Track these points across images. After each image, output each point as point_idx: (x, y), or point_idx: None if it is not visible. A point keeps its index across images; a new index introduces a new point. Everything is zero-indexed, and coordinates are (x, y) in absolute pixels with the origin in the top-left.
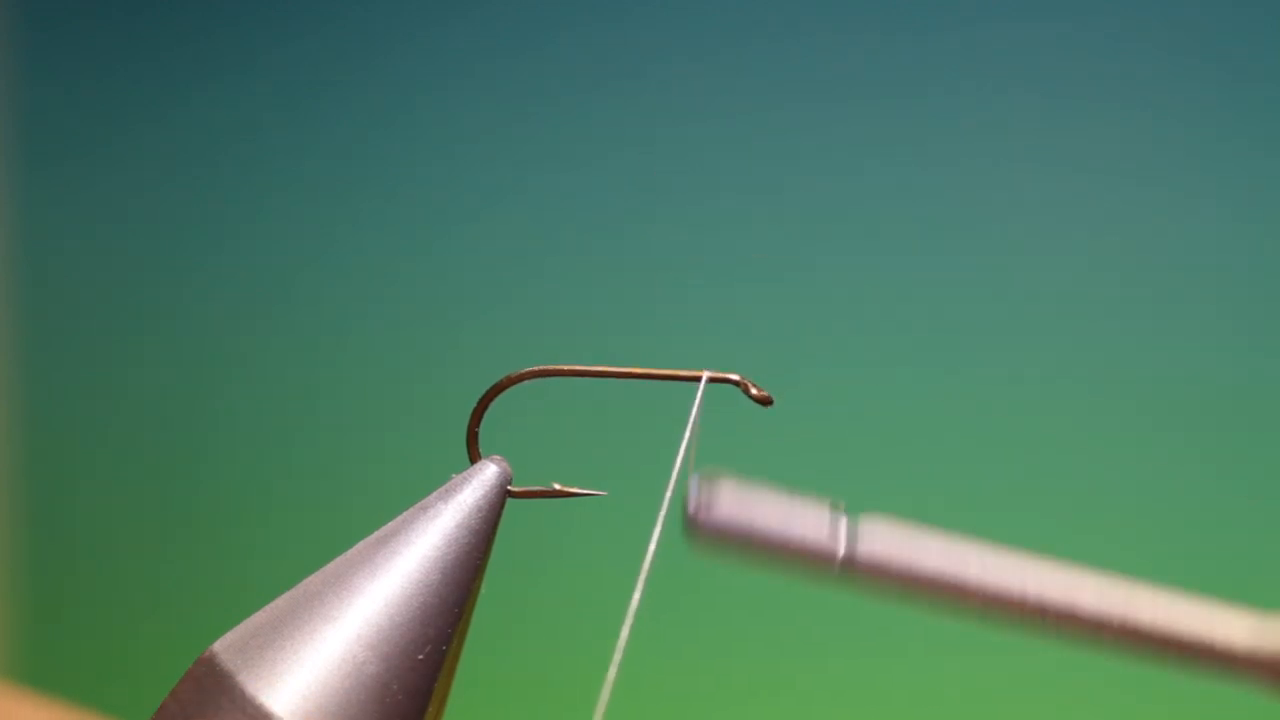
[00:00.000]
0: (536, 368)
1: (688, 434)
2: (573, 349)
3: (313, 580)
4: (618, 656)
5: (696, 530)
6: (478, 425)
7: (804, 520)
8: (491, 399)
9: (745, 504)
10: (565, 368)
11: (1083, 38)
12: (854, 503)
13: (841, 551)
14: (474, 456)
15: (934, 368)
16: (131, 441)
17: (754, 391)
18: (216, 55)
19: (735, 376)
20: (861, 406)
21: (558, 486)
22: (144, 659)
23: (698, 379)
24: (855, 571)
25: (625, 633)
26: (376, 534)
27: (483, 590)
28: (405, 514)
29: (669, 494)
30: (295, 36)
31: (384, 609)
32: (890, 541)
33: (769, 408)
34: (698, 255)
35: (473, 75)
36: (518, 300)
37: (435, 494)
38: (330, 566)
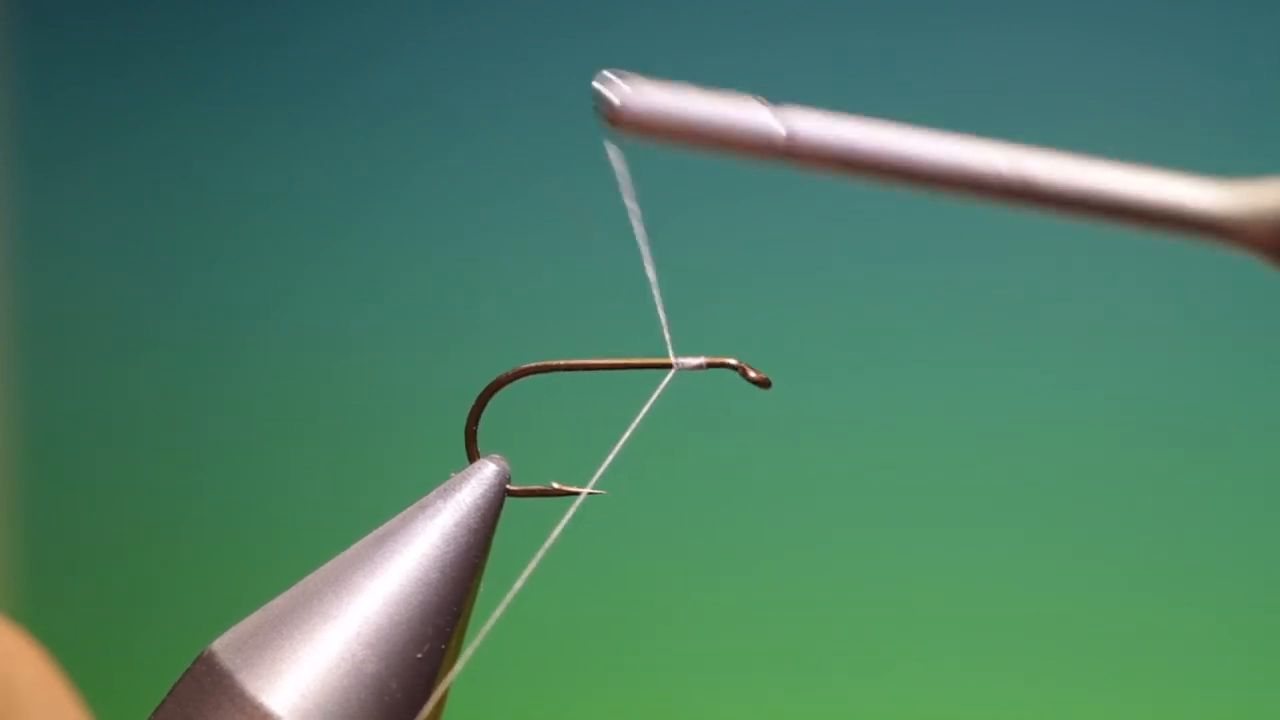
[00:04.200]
0: (524, 366)
1: (639, 417)
2: (575, 347)
3: (312, 579)
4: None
5: (620, 124)
6: (476, 423)
7: (738, 109)
8: (489, 397)
9: (672, 95)
10: (546, 364)
11: (1083, 39)
12: (852, 495)
13: (783, 132)
14: (472, 455)
15: (929, 362)
16: (131, 441)
17: (752, 374)
18: (218, 56)
19: (732, 360)
20: (860, 400)
21: (556, 485)
22: (143, 658)
23: (668, 366)
24: (797, 153)
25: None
26: (375, 532)
27: (481, 589)
28: (404, 513)
29: (593, 481)
30: (296, 37)
31: (383, 607)
32: (830, 123)
33: (767, 390)
34: (698, 253)
35: (471, 76)
36: (517, 298)
37: (434, 492)
38: (329, 565)
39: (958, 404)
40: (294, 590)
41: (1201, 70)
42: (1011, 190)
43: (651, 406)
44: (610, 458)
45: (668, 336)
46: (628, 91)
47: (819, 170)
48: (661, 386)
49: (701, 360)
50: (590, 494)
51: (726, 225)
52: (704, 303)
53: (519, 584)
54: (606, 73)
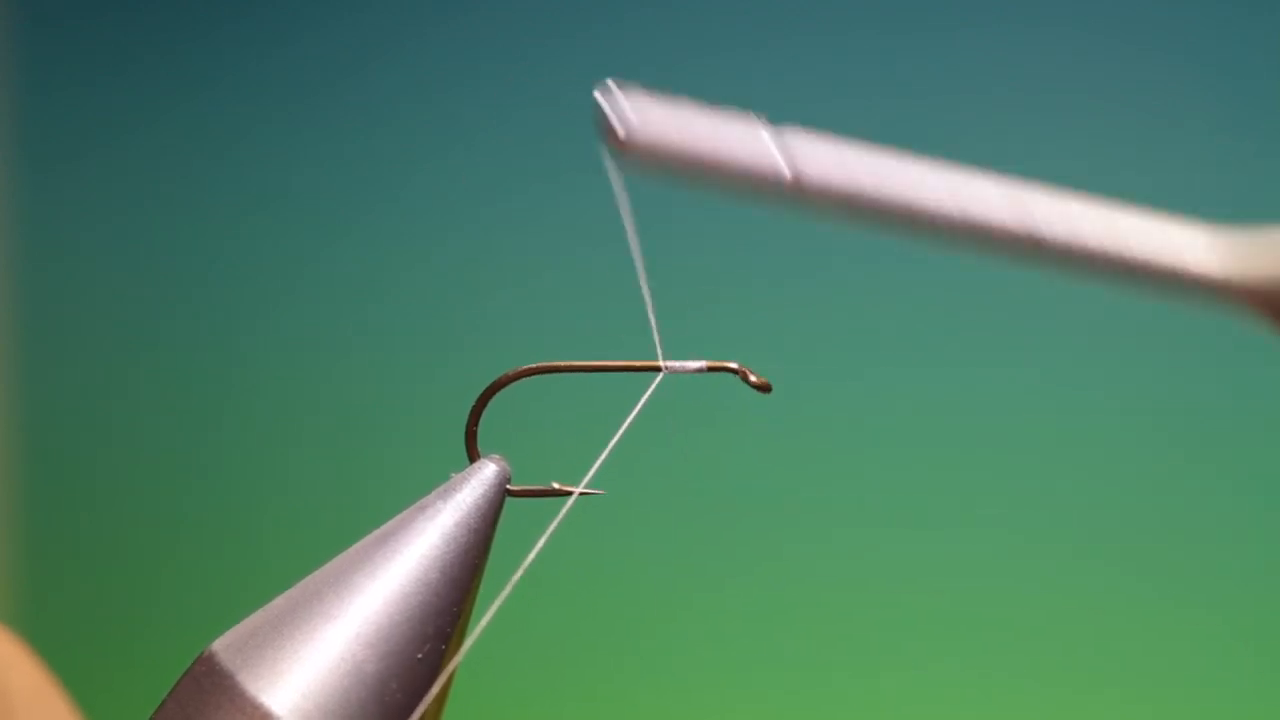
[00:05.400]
0: (523, 367)
1: (628, 420)
2: (576, 346)
3: (312, 579)
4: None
5: (625, 152)
6: (476, 424)
7: (742, 142)
8: (489, 397)
9: (677, 122)
10: (546, 365)
11: (1083, 39)
12: (852, 495)
13: (787, 173)
14: (473, 455)
15: (929, 362)
16: (131, 441)
17: (753, 378)
18: (217, 56)
19: (733, 365)
20: (860, 400)
21: (556, 485)
22: (143, 658)
23: (657, 369)
24: (802, 194)
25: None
26: (376, 533)
27: (482, 589)
28: (404, 513)
29: (585, 480)
30: (296, 37)
31: (383, 608)
32: (833, 160)
33: (768, 394)
34: (698, 252)
35: (471, 76)
36: (517, 298)
37: (434, 493)
38: (329, 566)
39: (958, 404)
40: (294, 590)
41: (1201, 70)
42: (1016, 244)
43: (644, 407)
44: (602, 458)
45: (658, 342)
46: (633, 119)
47: (823, 209)
48: (650, 390)
49: (702, 364)
50: (586, 494)
51: (726, 225)
52: (703, 302)
53: (515, 577)
54: (612, 86)
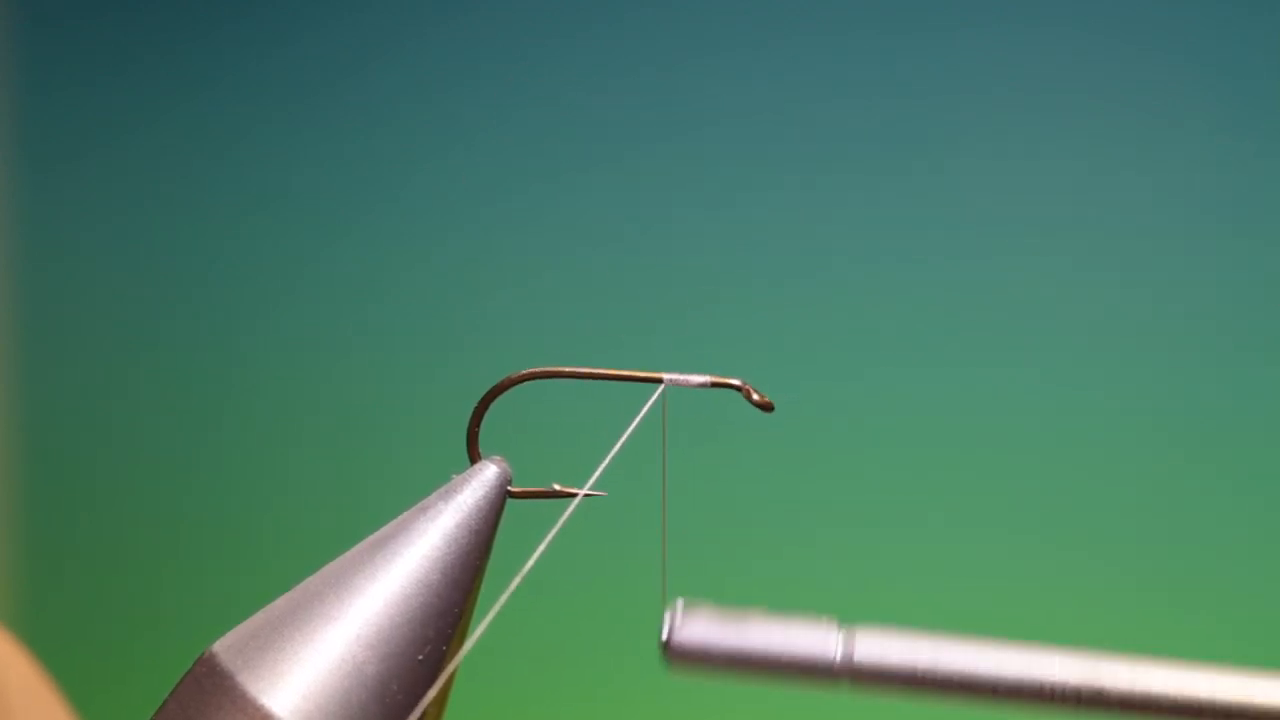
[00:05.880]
0: (526, 371)
1: (630, 427)
2: (577, 346)
3: (312, 581)
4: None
5: (671, 655)
6: (478, 426)
7: (792, 632)
8: (491, 400)
9: (726, 624)
10: (549, 369)
11: (1083, 39)
12: (850, 495)
13: (838, 658)
14: (474, 457)
15: (929, 362)
16: (131, 442)
17: (755, 397)
18: (217, 56)
19: (736, 381)
20: (860, 401)
21: (557, 487)
22: (143, 659)
23: (658, 380)
24: (855, 677)
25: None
26: (376, 535)
27: (483, 591)
28: (405, 514)
29: (593, 479)
30: (296, 37)
31: (384, 609)
32: (886, 645)
33: (770, 413)
34: (699, 255)
35: (471, 76)
36: (519, 301)
37: (435, 494)
38: (330, 567)
39: (958, 404)
40: (295, 592)
41: (1201, 70)
42: (1084, 700)
43: (644, 417)
44: (606, 461)
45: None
46: (680, 625)
47: (880, 691)
48: (650, 401)
49: (706, 379)
50: (589, 496)
51: (727, 225)
52: (704, 302)
53: (517, 580)
54: (680, 601)
